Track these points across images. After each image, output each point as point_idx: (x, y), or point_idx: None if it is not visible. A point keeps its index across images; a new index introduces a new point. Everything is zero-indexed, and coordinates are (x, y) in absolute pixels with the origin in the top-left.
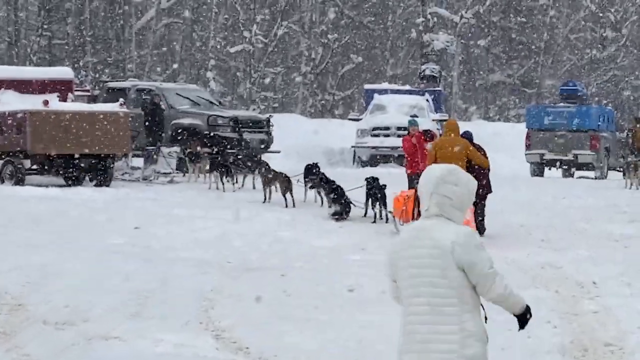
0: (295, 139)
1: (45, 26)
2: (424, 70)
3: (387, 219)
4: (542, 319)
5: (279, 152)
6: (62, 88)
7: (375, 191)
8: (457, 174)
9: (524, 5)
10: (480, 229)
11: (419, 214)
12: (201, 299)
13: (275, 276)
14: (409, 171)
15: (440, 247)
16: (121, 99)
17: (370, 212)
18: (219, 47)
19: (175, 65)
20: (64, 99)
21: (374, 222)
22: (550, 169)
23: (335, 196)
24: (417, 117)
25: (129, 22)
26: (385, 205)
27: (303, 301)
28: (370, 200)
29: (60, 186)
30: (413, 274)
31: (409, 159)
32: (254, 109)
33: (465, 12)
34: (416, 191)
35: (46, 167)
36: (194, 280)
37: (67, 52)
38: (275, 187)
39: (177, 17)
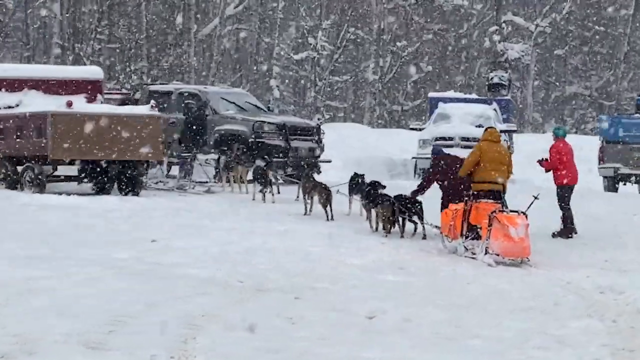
0: (356, 149)
1: (99, 29)
2: (491, 78)
3: (423, 235)
4: (591, 355)
5: (329, 161)
6: (90, 89)
7: (408, 204)
8: None
9: (604, 15)
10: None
11: (467, 230)
12: (186, 325)
13: (288, 299)
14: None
15: None
16: (153, 101)
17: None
18: (282, 53)
19: (238, 74)
20: (92, 100)
21: (414, 235)
22: (625, 184)
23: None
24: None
25: (187, 27)
26: (421, 218)
27: (309, 331)
28: (407, 213)
29: (86, 194)
30: None
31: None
32: (318, 119)
33: (541, 21)
34: (465, 205)
35: (70, 174)
36: (188, 303)
37: (118, 56)
38: (318, 198)
39: (242, 23)
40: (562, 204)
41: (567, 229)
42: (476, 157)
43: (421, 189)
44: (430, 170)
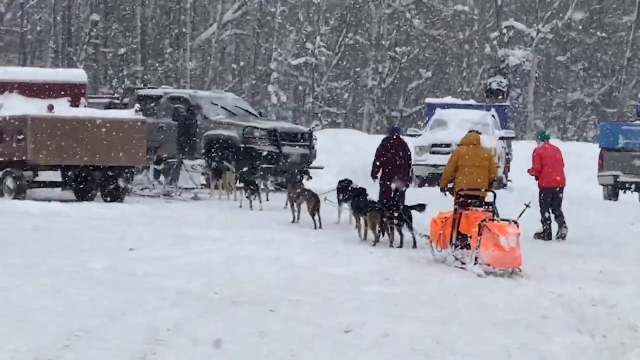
0: (352, 155)
1: (92, 34)
2: (490, 84)
3: (413, 243)
4: None
5: (322, 167)
6: (73, 92)
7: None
8: None
9: (606, 22)
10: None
11: (457, 239)
12: (148, 340)
13: (262, 312)
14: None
15: None
16: (137, 105)
17: (396, 235)
18: (279, 58)
19: (236, 79)
20: (75, 104)
21: (400, 246)
22: (625, 192)
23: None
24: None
25: (183, 31)
26: (409, 226)
27: (278, 345)
28: (394, 221)
29: (69, 201)
30: None
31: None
32: (316, 124)
33: (542, 27)
34: (454, 213)
35: (52, 180)
36: (154, 316)
37: (111, 60)
38: (306, 206)
39: (239, 28)
40: (540, 207)
41: (544, 231)
42: (453, 165)
43: (374, 173)
44: (380, 150)
